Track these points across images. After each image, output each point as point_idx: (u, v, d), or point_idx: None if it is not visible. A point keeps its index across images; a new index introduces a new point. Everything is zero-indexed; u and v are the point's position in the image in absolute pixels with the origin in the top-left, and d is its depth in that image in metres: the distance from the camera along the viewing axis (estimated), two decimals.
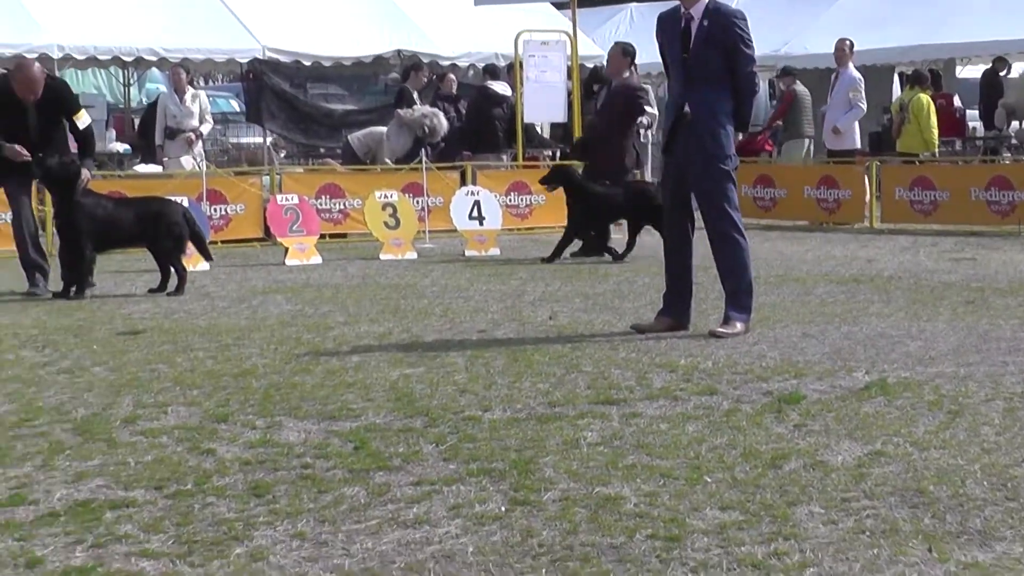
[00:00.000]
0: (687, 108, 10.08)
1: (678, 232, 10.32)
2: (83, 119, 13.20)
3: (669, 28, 10.28)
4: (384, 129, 20.41)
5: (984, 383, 8.04)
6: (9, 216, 14.00)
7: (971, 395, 7.72)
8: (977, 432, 6.87)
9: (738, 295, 10.17)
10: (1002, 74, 27.41)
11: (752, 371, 8.55)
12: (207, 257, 14.03)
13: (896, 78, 28.73)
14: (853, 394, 7.81)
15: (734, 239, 10.15)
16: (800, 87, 22.88)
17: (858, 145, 21.95)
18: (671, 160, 10.38)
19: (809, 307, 11.62)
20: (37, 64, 13.84)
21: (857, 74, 21.31)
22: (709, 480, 6.02)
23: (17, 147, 12.92)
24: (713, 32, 10.03)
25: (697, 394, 7.89)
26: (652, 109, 17.04)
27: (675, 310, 10.31)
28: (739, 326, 10.05)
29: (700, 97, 10.07)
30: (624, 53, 16.96)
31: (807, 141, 22.92)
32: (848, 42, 21.19)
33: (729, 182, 10.20)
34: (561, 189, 16.31)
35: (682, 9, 10.16)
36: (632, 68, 17.05)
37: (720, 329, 10.02)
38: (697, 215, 10.36)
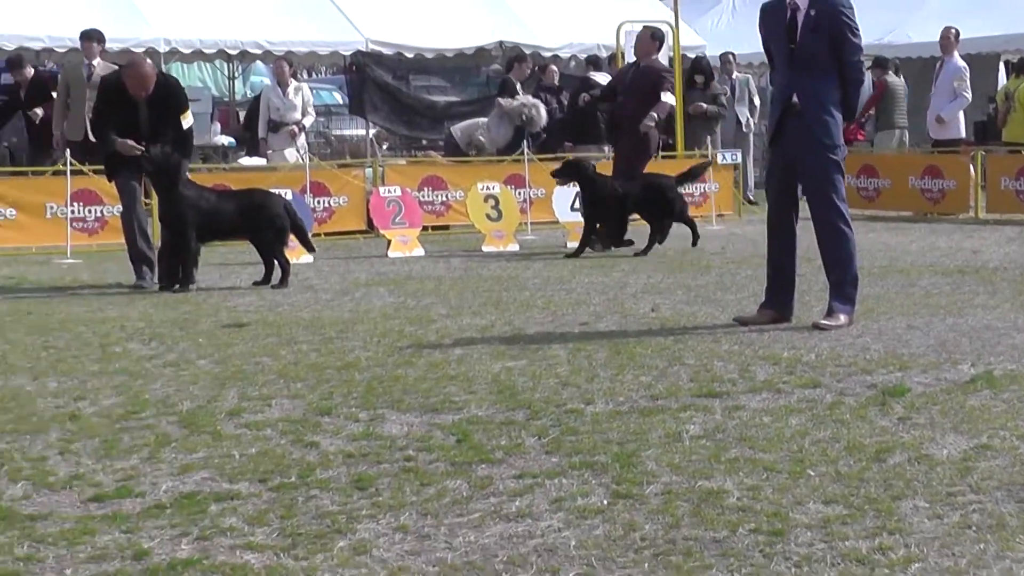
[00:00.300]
0: (795, 98, 10.02)
1: (783, 223, 10.25)
2: (187, 119, 13.35)
3: (774, 18, 10.21)
4: (486, 120, 20.46)
5: None
6: (119, 209, 14.19)
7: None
8: None
9: (843, 286, 10.09)
10: None
11: (856, 363, 8.49)
12: (309, 249, 14.13)
13: (1001, 66, 28.33)
14: (958, 387, 7.73)
15: (841, 230, 10.08)
16: (892, 77, 22.62)
17: (963, 134, 21.68)
18: (778, 151, 10.32)
19: (913, 299, 11.51)
20: (149, 61, 14.02)
21: (962, 63, 21.05)
22: (812, 474, 5.98)
23: (129, 142, 13.07)
24: (820, 21, 9.95)
25: (800, 387, 7.84)
26: (671, 99, 16.80)
27: (778, 302, 10.24)
28: (843, 318, 9.97)
29: (808, 87, 10.01)
30: (653, 37, 16.90)
31: (899, 132, 22.69)
32: (953, 30, 20.93)
33: (838, 172, 10.15)
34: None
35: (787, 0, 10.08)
36: (659, 52, 16.98)
37: (824, 321, 9.95)
38: (802, 205, 10.30)
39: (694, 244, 16.04)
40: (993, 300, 11.31)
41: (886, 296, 11.64)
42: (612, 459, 6.29)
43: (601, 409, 7.36)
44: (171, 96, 13.34)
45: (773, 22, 10.22)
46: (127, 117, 13.15)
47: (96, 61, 18.51)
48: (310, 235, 14.37)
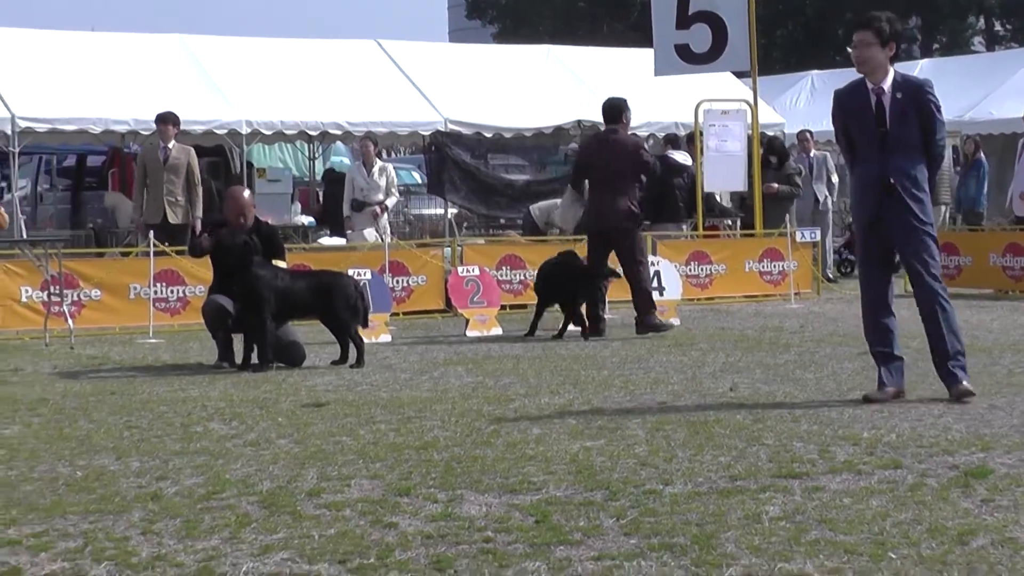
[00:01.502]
0: (892, 180, 10.15)
1: (885, 304, 10.39)
2: (282, 266, 13.72)
3: (856, 103, 10.36)
4: None
5: None
6: (201, 289, 14.35)
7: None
8: None
9: (959, 356, 10.27)
10: None
11: (938, 444, 8.42)
12: (364, 325, 14.05)
13: None
14: None
15: (949, 305, 10.29)
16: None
17: None
18: (876, 234, 10.35)
19: (996, 378, 11.41)
20: (247, 192, 14.27)
21: None
22: (894, 556, 5.93)
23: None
24: (907, 104, 10.16)
25: (881, 467, 7.78)
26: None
27: (895, 378, 10.32)
28: (967, 384, 10.20)
29: (901, 169, 10.17)
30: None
31: (944, 208, 22.59)
32: None
33: (936, 250, 10.38)
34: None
35: (869, 84, 10.23)
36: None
37: (964, 385, 10.17)
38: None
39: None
40: None
41: (977, 377, 11.54)
42: (691, 541, 6.27)
43: (680, 490, 7.33)
44: (271, 241, 13.67)
45: (855, 107, 10.36)
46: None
47: (171, 144, 18.82)
48: (388, 316, 14.43)
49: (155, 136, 19.86)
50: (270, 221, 14.90)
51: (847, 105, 10.44)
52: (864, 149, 10.36)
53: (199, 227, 18.52)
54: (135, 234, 19.95)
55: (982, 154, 23.85)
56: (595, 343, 14.91)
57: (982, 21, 59.20)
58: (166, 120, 18.93)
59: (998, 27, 59.37)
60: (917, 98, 10.19)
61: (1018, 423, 9.13)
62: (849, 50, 10.47)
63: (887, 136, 10.17)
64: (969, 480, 7.37)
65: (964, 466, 7.74)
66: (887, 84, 10.18)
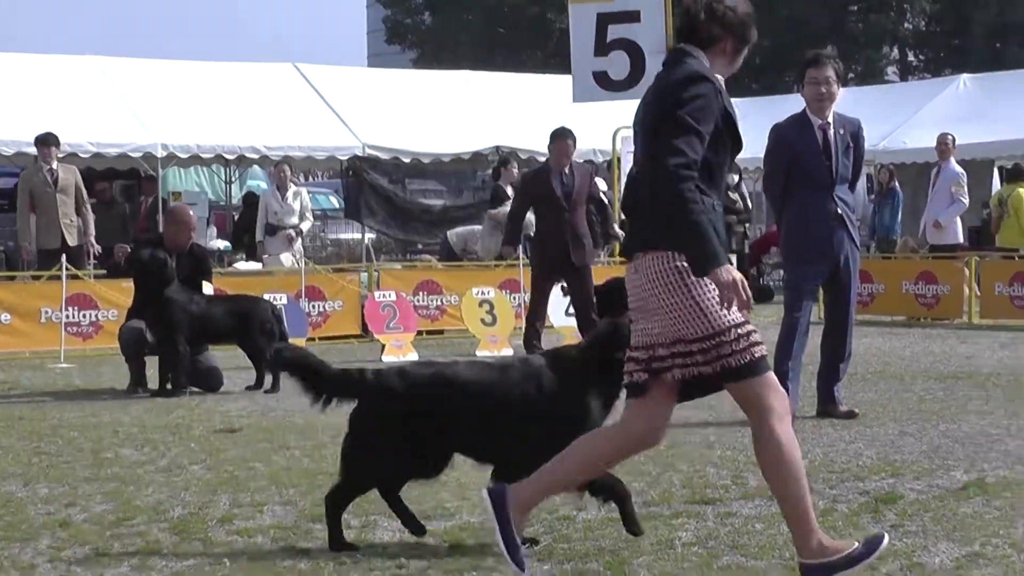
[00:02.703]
0: (840, 211, 10.67)
1: (806, 330, 10.82)
2: (208, 289, 13.70)
3: (802, 136, 10.79)
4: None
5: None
6: (113, 314, 14.21)
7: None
8: None
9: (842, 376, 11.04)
10: None
11: (848, 470, 8.49)
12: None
13: (996, 172, 28.54)
14: (951, 494, 7.73)
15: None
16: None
17: (960, 240, 21.71)
18: (826, 262, 10.77)
19: (907, 404, 11.52)
20: (191, 212, 14.22)
21: (959, 168, 21.10)
22: None
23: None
24: (848, 139, 10.76)
25: None
26: None
27: (795, 402, 10.62)
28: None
29: (844, 200, 10.76)
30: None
31: None
32: (950, 136, 21.04)
33: None
34: None
35: (816, 120, 10.73)
36: None
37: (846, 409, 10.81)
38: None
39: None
40: (987, 406, 11.32)
41: (879, 402, 11.65)
42: (604, 567, 6.28)
43: (593, 516, 7.34)
44: (202, 264, 13.65)
45: (802, 140, 10.77)
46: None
47: (55, 165, 18.43)
48: (304, 341, 14.36)
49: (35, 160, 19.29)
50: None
51: (793, 138, 10.80)
52: (809, 183, 10.72)
53: (92, 250, 18.35)
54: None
55: (896, 183, 24.07)
56: None
57: (896, 51, 59.90)
58: (47, 142, 18.43)
59: (911, 57, 60.08)
60: (856, 134, 10.82)
61: (927, 449, 9.22)
62: (808, 85, 10.73)
63: (833, 170, 10.64)
64: (879, 506, 7.44)
65: (874, 492, 7.81)
66: (830, 120, 10.71)
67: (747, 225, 23.69)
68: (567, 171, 15.26)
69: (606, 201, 18.07)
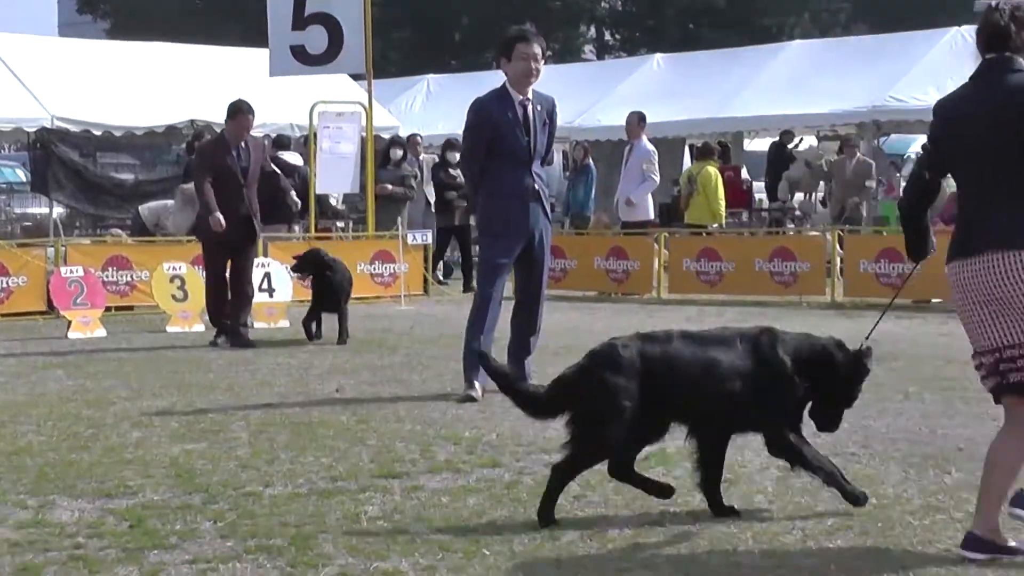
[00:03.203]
0: (536, 187, 10.77)
1: (498, 304, 10.90)
2: None
3: (503, 112, 10.75)
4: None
5: (761, 451, 8.15)
6: None
7: (747, 464, 7.84)
8: (751, 501, 7.00)
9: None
10: (790, 147, 28.16)
11: (535, 443, 8.57)
12: None
13: (687, 150, 29.24)
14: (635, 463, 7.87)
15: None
16: None
17: (651, 216, 22.08)
18: (509, 240, 10.82)
19: None
20: None
21: (650, 146, 21.35)
22: (487, 553, 6.03)
23: None
24: (545, 116, 10.85)
25: (480, 467, 7.91)
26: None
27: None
28: None
29: (540, 177, 10.87)
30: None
31: None
32: (637, 115, 21.35)
33: None
34: None
35: (516, 96, 10.74)
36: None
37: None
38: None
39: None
40: None
41: None
42: (289, 542, 6.24)
43: (280, 491, 7.29)
44: None
45: (504, 116, 10.74)
46: None
47: None
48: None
49: None
50: None
51: (495, 115, 10.76)
52: (510, 158, 10.75)
53: None
54: None
55: (591, 160, 24.43)
56: (202, 346, 14.63)
57: (593, 30, 60.95)
58: None
59: (608, 37, 61.20)
60: (552, 112, 10.92)
61: None
62: (516, 61, 10.69)
63: (532, 146, 10.73)
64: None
65: None
66: (529, 97, 10.77)
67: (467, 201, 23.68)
68: (243, 145, 15.09)
69: (280, 173, 17.88)
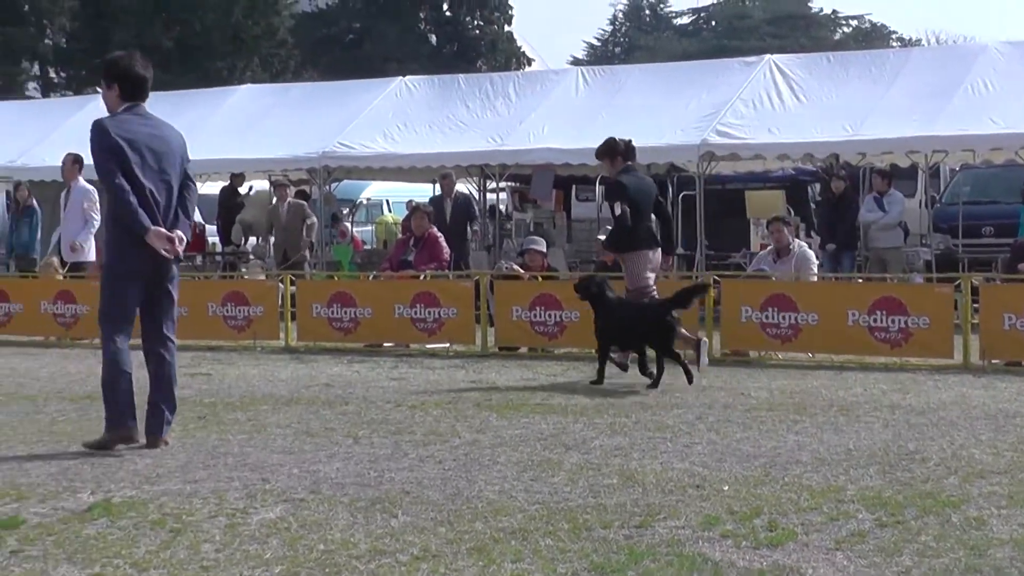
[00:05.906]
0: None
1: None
2: None
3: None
4: None
5: (209, 499, 8.06)
6: None
7: (195, 512, 7.72)
8: (198, 550, 6.88)
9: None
10: (241, 190, 28.17)
11: None
12: None
13: None
14: (76, 516, 7.64)
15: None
16: None
17: (92, 258, 21.34)
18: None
19: (39, 426, 11.31)
20: None
21: (89, 186, 20.64)
22: None
23: None
24: None
25: None
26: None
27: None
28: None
29: None
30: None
31: None
32: (72, 156, 20.54)
33: None
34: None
35: None
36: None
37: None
38: None
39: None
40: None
41: (10, 424, 11.37)
42: None
43: None
44: None
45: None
46: None
47: None
48: None
49: None
50: None
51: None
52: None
53: None
54: None
55: (35, 201, 23.64)
56: None
57: (37, 67, 59.56)
58: None
59: (53, 74, 59.91)
60: None
61: (56, 471, 9.07)
62: None
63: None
64: (0, 532, 7.21)
65: None
66: None
67: None
68: None
69: None
